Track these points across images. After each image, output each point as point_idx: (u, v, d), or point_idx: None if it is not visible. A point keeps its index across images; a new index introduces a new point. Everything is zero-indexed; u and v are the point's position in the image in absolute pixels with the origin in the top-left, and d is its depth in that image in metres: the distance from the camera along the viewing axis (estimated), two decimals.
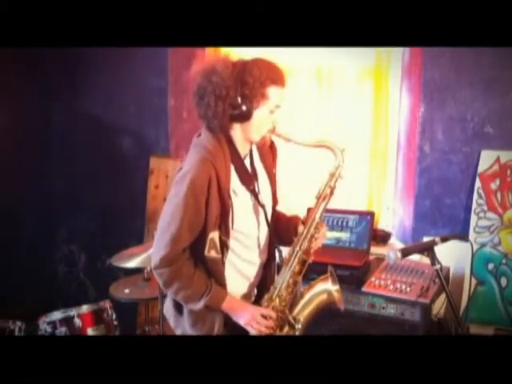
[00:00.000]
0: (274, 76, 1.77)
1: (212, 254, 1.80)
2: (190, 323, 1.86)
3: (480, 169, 2.73)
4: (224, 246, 1.82)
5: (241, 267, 1.91)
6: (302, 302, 1.91)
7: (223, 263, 1.84)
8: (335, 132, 3.25)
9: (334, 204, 2.37)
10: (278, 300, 1.86)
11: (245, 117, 1.77)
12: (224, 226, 1.80)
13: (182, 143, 3.52)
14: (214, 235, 1.78)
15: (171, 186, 1.82)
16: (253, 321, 1.81)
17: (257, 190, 1.87)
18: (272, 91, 1.76)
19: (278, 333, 1.85)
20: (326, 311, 2.50)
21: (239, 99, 1.74)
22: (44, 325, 2.61)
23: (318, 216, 1.91)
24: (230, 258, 1.86)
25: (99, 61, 3.51)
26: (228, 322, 1.86)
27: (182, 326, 1.90)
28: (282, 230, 2.01)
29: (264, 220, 1.90)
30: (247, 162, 1.90)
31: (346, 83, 3.24)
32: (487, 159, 2.72)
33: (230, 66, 1.77)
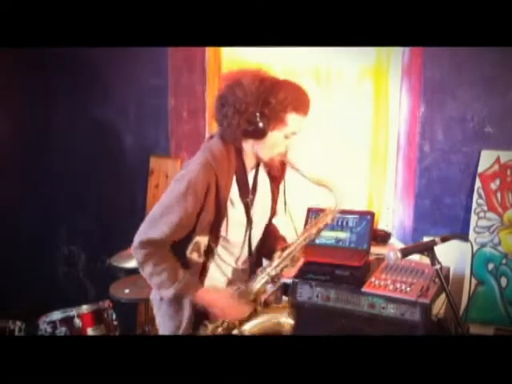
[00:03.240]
0: (298, 103, 1.75)
1: (194, 256, 1.82)
2: (161, 313, 1.93)
3: (480, 169, 2.73)
4: (210, 252, 1.83)
5: (227, 272, 1.94)
6: (255, 321, 1.88)
7: (207, 268, 1.86)
8: (335, 132, 3.26)
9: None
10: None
11: (259, 135, 1.75)
12: (215, 233, 1.81)
13: (182, 143, 3.52)
14: (201, 240, 1.80)
15: (172, 180, 1.85)
16: (226, 313, 1.83)
17: (249, 202, 1.86)
18: (292, 118, 1.75)
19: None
20: (326, 311, 2.51)
21: (257, 117, 1.72)
22: (44, 325, 2.61)
23: (296, 250, 1.89)
24: (217, 262, 1.89)
25: (99, 61, 3.51)
26: (198, 321, 1.86)
27: (158, 315, 1.96)
28: (267, 245, 2.01)
29: (247, 233, 1.89)
30: (251, 175, 1.89)
31: (345, 83, 3.24)
32: (487, 159, 2.72)
33: (257, 81, 1.74)
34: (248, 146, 1.81)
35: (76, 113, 3.69)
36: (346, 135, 3.27)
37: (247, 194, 1.86)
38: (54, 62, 3.63)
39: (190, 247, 1.82)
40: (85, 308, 2.68)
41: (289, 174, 1.94)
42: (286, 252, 1.88)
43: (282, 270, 1.89)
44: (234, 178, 1.82)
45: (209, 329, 1.83)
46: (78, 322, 2.62)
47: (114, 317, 2.76)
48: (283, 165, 1.92)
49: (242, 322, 1.86)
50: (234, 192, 1.84)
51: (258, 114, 1.71)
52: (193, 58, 3.52)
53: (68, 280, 3.87)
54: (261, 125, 1.72)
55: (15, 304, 3.22)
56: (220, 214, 1.79)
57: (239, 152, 1.83)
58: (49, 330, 2.60)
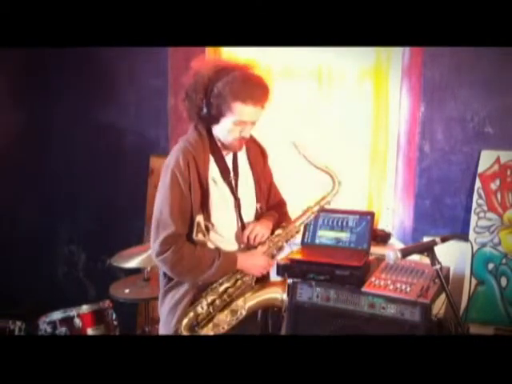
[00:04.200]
0: (244, 94, 1.85)
1: (199, 237, 1.93)
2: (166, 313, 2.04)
3: (480, 169, 2.73)
4: (206, 229, 1.95)
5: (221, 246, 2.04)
6: (255, 295, 2.05)
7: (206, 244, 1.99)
8: (335, 132, 3.26)
9: (334, 204, 2.38)
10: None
11: (211, 121, 1.94)
12: (205, 211, 1.93)
13: None
14: (200, 218, 1.91)
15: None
16: (263, 269, 2.04)
17: (233, 183, 2.01)
18: (238, 107, 1.86)
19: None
20: (326, 311, 2.51)
21: (203, 104, 1.89)
22: (44, 325, 2.61)
23: (297, 224, 2.14)
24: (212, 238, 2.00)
25: (99, 61, 3.51)
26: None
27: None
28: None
29: (237, 211, 2.03)
30: (229, 158, 2.05)
31: (346, 83, 3.24)
32: (487, 159, 2.72)
33: (212, 70, 1.89)
34: (215, 131, 1.97)
35: (76, 113, 3.69)
36: (346, 135, 3.26)
37: (228, 174, 2.01)
38: (54, 62, 3.63)
39: (195, 229, 1.91)
40: (85, 308, 2.68)
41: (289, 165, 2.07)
42: (292, 225, 2.11)
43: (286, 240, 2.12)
44: (212, 158, 1.98)
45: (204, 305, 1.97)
46: (78, 321, 2.62)
47: (114, 317, 2.76)
48: (265, 155, 2.16)
49: (244, 296, 2.02)
50: (215, 172, 1.99)
51: (203, 101, 1.88)
52: (193, 58, 3.51)
53: (68, 280, 3.87)
54: (204, 111, 1.89)
55: (15, 304, 3.22)
56: (205, 191, 1.93)
57: (212, 136, 1.99)
58: (49, 330, 2.60)
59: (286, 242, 2.12)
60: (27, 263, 3.73)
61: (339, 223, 2.82)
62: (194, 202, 1.90)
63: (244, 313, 1.98)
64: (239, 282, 2.02)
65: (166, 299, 2.03)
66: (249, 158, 2.11)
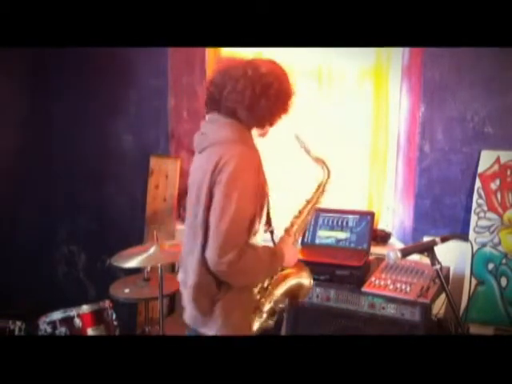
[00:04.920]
0: (285, 109, 1.87)
1: (251, 239, 1.80)
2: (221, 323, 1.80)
3: (480, 169, 2.73)
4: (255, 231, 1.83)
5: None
6: (283, 284, 1.96)
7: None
8: (335, 132, 3.26)
9: (334, 204, 2.39)
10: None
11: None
12: (261, 214, 1.83)
13: (182, 143, 3.52)
14: (258, 222, 1.81)
15: (223, 181, 1.72)
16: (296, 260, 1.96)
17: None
18: (277, 119, 1.86)
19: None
20: (326, 311, 2.51)
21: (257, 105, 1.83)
22: (44, 325, 2.61)
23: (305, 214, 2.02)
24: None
25: (99, 61, 3.51)
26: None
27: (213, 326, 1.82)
28: None
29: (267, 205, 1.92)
30: None
31: (346, 83, 3.24)
32: (487, 159, 2.72)
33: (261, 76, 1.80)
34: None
35: (76, 113, 3.69)
36: (346, 135, 3.26)
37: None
38: (54, 61, 3.63)
39: (252, 233, 1.80)
40: (85, 308, 2.68)
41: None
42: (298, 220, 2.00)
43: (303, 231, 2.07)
44: None
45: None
46: (78, 321, 2.62)
47: (114, 317, 2.75)
48: None
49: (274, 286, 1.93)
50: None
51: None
52: (193, 58, 3.52)
53: (68, 280, 3.87)
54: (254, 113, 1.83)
55: (15, 304, 3.21)
56: (265, 195, 1.84)
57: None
58: (49, 330, 2.60)
59: (303, 232, 2.09)
60: (27, 263, 3.72)
61: (339, 223, 2.83)
62: (259, 206, 1.78)
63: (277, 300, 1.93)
64: (275, 276, 1.94)
65: (224, 306, 1.80)
66: None
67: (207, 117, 1.90)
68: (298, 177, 3.16)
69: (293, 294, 1.97)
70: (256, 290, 1.89)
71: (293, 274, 1.97)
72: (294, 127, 2.04)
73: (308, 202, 2.02)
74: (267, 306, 1.89)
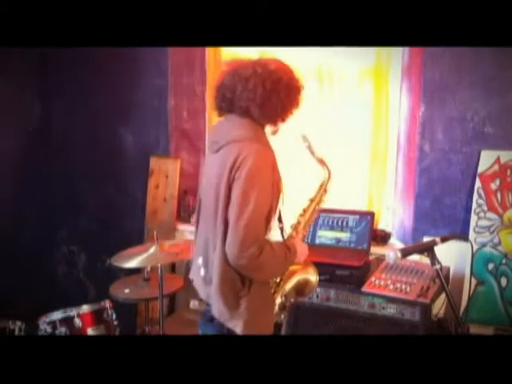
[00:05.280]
0: (296, 106, 1.94)
1: (268, 236, 1.86)
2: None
3: (480, 169, 2.73)
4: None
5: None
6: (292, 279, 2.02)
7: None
8: (335, 132, 3.25)
9: (334, 204, 2.39)
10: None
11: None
12: (276, 210, 1.88)
13: (182, 143, 3.53)
14: (273, 218, 1.87)
15: (241, 178, 1.77)
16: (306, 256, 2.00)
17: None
18: (288, 115, 1.93)
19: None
20: (326, 311, 2.51)
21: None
22: (44, 325, 2.61)
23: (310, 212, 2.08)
24: None
25: (99, 61, 3.51)
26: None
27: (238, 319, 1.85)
28: None
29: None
30: None
31: (346, 83, 3.24)
32: (487, 159, 2.72)
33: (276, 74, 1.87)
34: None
35: (76, 113, 3.69)
36: (346, 135, 3.26)
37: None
38: (54, 61, 3.64)
39: (269, 230, 1.85)
40: (85, 308, 2.68)
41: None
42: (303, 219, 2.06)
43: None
44: None
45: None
46: (78, 321, 2.62)
47: (114, 317, 2.75)
48: None
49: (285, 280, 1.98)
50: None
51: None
52: (193, 58, 3.52)
53: (68, 280, 3.87)
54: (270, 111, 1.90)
55: (15, 304, 3.22)
56: (280, 190, 1.88)
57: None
58: (49, 330, 2.60)
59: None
60: (27, 263, 3.73)
61: (339, 223, 2.83)
62: (274, 201, 1.83)
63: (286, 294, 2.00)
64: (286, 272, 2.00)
65: (249, 300, 1.84)
66: None
67: (222, 118, 1.95)
68: (297, 175, 3.16)
69: (299, 289, 2.03)
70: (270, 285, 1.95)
71: (300, 269, 2.02)
72: (294, 127, 2.05)
73: (312, 200, 2.06)
74: (278, 300, 1.95)
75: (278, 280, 1.96)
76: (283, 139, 2.06)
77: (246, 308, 1.81)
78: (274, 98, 1.81)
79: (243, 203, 1.74)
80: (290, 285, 1.99)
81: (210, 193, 1.86)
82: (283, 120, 1.91)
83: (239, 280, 1.81)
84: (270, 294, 1.92)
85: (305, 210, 2.06)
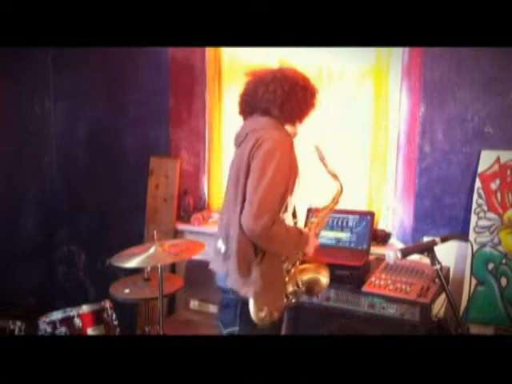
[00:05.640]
0: (313, 108, 2.15)
1: (282, 215, 2.00)
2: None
3: (480, 169, 2.73)
4: (286, 209, 2.03)
5: None
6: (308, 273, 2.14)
7: None
8: (335, 132, 3.25)
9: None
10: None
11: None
12: (293, 192, 2.03)
13: (181, 143, 3.53)
14: (289, 199, 2.01)
15: (260, 156, 1.93)
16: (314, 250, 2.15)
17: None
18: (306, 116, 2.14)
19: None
20: (326, 311, 2.51)
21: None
22: (44, 325, 2.61)
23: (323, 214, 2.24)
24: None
25: (100, 61, 3.51)
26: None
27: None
28: None
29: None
30: None
31: (346, 83, 3.24)
32: (487, 159, 2.72)
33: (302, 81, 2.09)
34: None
35: (76, 113, 3.69)
36: (346, 135, 3.26)
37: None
38: (54, 61, 3.64)
39: (283, 208, 1.99)
40: (85, 308, 2.68)
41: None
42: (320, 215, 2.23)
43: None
44: None
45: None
46: (78, 321, 2.62)
47: (114, 317, 2.75)
48: None
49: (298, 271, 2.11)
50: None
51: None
52: (193, 58, 3.52)
53: (68, 280, 3.87)
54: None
55: (15, 304, 3.22)
56: (298, 175, 2.04)
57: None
58: (49, 330, 2.60)
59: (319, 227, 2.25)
60: (27, 263, 3.73)
61: (339, 223, 2.83)
62: (290, 181, 1.98)
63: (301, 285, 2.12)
64: (297, 262, 2.12)
65: (259, 271, 1.99)
66: None
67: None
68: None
69: (310, 286, 2.14)
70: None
71: (314, 268, 2.15)
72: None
73: (324, 207, 2.23)
74: (290, 288, 2.07)
75: (289, 267, 2.07)
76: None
77: (258, 276, 1.94)
78: (292, 98, 2.01)
79: (260, 176, 1.90)
80: (302, 276, 2.10)
81: (233, 177, 2.03)
82: (300, 120, 2.09)
83: (253, 251, 1.96)
84: (280, 268, 2.04)
85: (318, 210, 2.24)
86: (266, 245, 1.95)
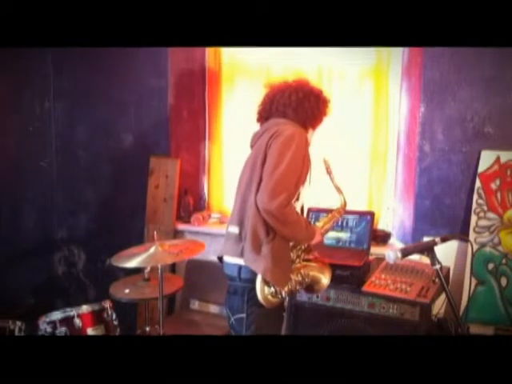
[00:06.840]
0: (327, 115, 2.40)
1: (295, 203, 2.13)
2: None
3: (480, 169, 2.73)
4: (297, 198, 2.16)
5: None
6: (312, 271, 2.25)
7: None
8: (335, 132, 3.25)
9: (334, 204, 2.39)
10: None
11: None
12: (305, 182, 2.16)
13: (182, 143, 3.53)
14: (301, 188, 2.14)
15: (278, 143, 2.09)
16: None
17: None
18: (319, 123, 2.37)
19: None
20: (326, 311, 2.51)
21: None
22: (44, 325, 2.61)
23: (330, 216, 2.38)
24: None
25: (100, 61, 3.51)
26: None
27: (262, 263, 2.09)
28: None
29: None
30: None
31: (346, 83, 3.24)
32: (487, 159, 2.72)
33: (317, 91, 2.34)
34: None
35: (76, 113, 3.69)
36: (346, 135, 3.26)
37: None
38: (55, 61, 3.64)
39: (295, 196, 2.11)
40: (85, 308, 2.68)
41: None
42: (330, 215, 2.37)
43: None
44: None
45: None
46: (78, 321, 2.62)
47: (114, 317, 2.75)
48: None
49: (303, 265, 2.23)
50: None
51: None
52: (193, 58, 3.52)
53: (68, 280, 3.87)
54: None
55: (15, 304, 3.22)
56: (310, 166, 2.18)
57: None
58: (49, 330, 2.60)
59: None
60: (27, 263, 3.73)
61: (339, 223, 2.82)
62: (303, 172, 2.11)
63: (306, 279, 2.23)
64: (303, 253, 2.24)
65: (269, 249, 2.10)
66: None
67: None
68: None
69: (310, 284, 2.25)
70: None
71: (318, 267, 2.26)
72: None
73: (329, 214, 2.35)
74: (295, 277, 2.16)
75: (295, 258, 2.19)
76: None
77: (267, 252, 2.06)
78: (305, 103, 2.21)
79: (278, 161, 2.04)
80: (306, 270, 2.21)
81: (250, 164, 2.16)
82: (313, 127, 2.29)
83: (265, 230, 2.07)
84: (288, 248, 2.16)
85: (322, 220, 2.36)
86: (278, 224, 2.05)
